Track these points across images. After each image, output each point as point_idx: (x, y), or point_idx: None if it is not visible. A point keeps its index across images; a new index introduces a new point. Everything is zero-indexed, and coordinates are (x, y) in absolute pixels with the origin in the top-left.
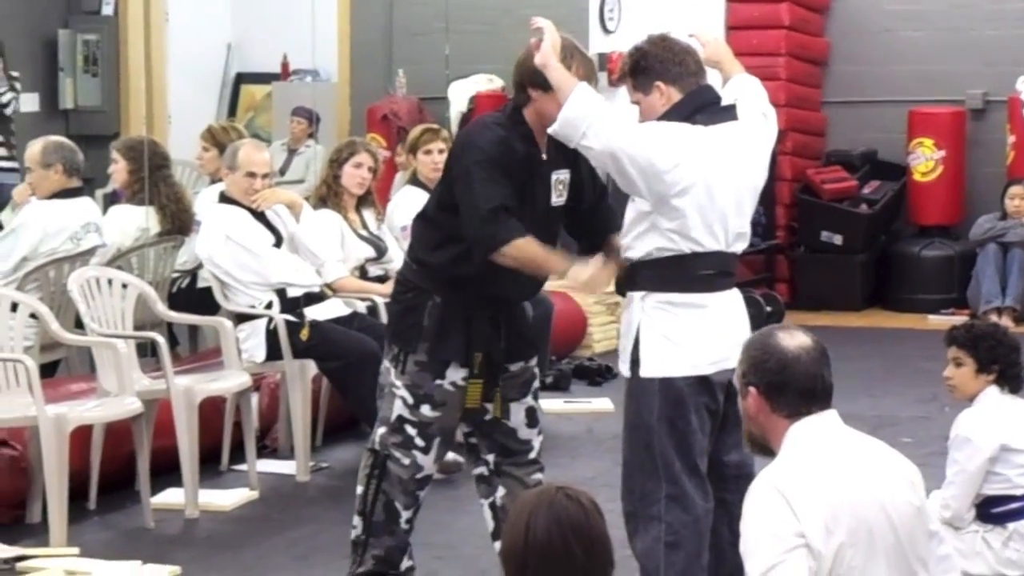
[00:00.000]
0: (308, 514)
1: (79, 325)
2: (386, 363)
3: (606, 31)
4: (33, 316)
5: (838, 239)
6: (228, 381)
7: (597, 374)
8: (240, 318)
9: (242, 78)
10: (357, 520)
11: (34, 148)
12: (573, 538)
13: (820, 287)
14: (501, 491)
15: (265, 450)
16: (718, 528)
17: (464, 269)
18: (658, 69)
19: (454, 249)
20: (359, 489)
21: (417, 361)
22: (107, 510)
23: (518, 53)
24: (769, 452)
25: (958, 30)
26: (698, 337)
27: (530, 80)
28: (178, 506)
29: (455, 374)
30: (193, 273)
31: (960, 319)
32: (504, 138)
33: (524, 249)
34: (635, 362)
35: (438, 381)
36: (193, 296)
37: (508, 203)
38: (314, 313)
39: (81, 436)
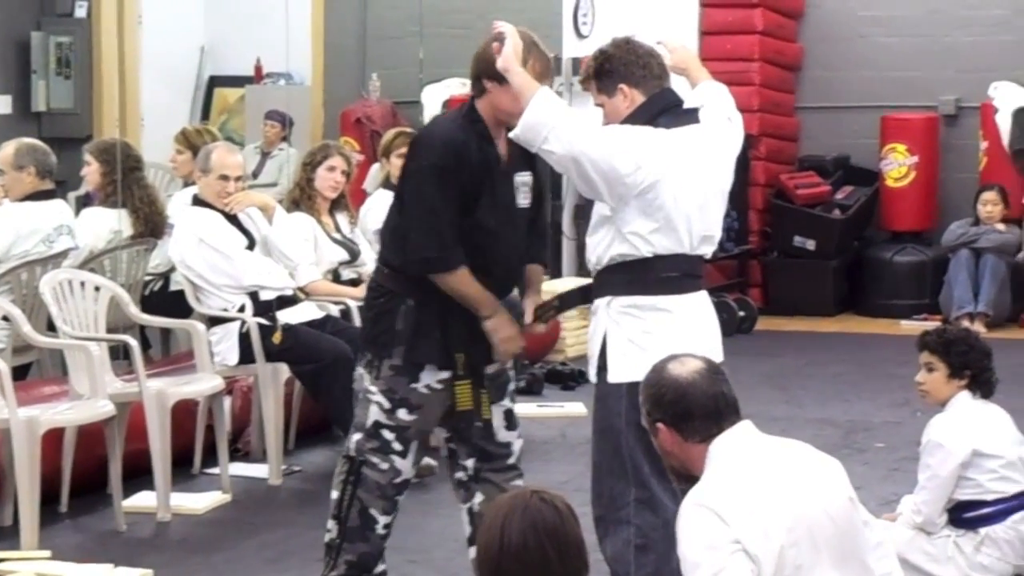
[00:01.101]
0: (280, 517)
1: (51, 328)
2: (360, 369)
3: (580, 36)
4: (5, 319)
5: (811, 244)
6: (200, 384)
7: (570, 378)
8: (213, 321)
9: (215, 81)
10: (332, 524)
11: (6, 150)
12: (548, 542)
13: (793, 292)
14: (479, 497)
15: (237, 453)
16: None
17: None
18: (622, 72)
19: None
20: (334, 494)
21: (392, 365)
22: (79, 513)
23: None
24: (695, 480)
25: (931, 36)
26: (665, 340)
27: (486, 72)
28: (150, 509)
29: (430, 377)
30: (166, 276)
31: (933, 324)
32: (459, 142)
33: (462, 282)
34: (602, 367)
35: (413, 385)
36: (166, 299)
37: (452, 218)
38: (287, 316)
39: (53, 439)
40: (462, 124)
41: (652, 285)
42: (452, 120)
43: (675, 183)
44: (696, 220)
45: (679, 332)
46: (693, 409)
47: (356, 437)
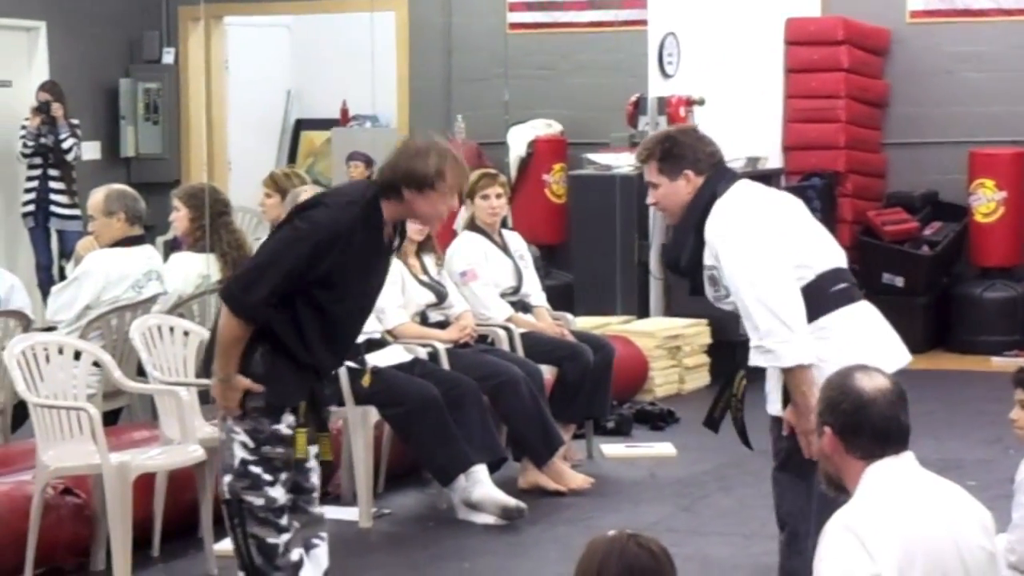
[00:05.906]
0: (371, 560)
1: (141, 373)
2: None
3: (665, 75)
4: (96, 364)
5: (900, 281)
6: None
7: (659, 418)
8: None
9: (302, 124)
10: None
11: (97, 196)
12: None
13: None
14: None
15: (327, 496)
16: None
17: (301, 318)
18: (690, 158)
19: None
20: (231, 545)
21: (255, 407)
22: (171, 557)
23: (577, 97)
24: (844, 491)
25: (1018, 71)
26: (852, 356)
27: (405, 182)
28: None
29: (290, 418)
30: None
31: None
32: (347, 229)
33: (236, 337)
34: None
35: (275, 426)
36: None
37: (291, 283)
38: (375, 359)
39: (144, 483)
40: (359, 214)
41: (828, 301)
42: (354, 203)
43: (794, 219)
44: (826, 238)
45: (863, 340)
46: (865, 425)
47: (227, 479)
